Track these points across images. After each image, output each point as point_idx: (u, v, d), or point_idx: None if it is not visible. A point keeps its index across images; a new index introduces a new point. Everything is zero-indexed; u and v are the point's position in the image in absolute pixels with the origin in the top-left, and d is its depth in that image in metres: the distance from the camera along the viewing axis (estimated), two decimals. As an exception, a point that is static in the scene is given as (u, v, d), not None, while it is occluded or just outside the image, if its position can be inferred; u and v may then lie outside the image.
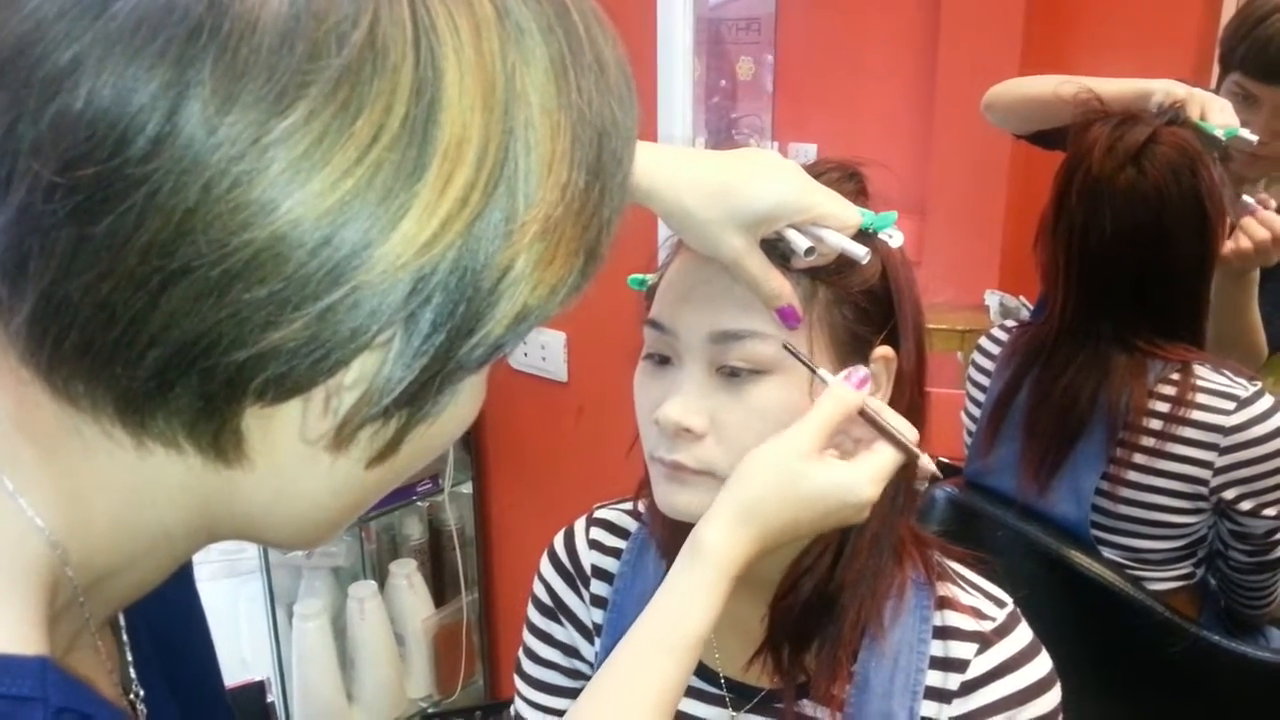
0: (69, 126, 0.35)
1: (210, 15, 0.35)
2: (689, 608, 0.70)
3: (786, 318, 0.73)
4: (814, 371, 0.73)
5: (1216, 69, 1.75)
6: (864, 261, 0.73)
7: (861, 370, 0.74)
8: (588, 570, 0.93)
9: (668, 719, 0.69)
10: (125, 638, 0.54)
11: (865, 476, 0.71)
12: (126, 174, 0.35)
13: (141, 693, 0.54)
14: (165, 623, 0.56)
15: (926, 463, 0.75)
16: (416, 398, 0.42)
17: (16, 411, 0.41)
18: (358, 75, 0.36)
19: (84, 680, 0.42)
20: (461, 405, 0.45)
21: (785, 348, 0.73)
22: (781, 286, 0.72)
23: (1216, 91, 1.65)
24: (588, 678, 0.94)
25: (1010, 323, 1.67)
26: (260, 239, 0.36)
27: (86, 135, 0.35)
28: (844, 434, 0.75)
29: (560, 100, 0.41)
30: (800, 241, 0.72)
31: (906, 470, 0.80)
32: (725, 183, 0.72)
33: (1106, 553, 1.50)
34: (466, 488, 2.26)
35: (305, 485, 0.44)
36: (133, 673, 0.54)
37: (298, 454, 0.42)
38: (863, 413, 0.73)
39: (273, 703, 2.00)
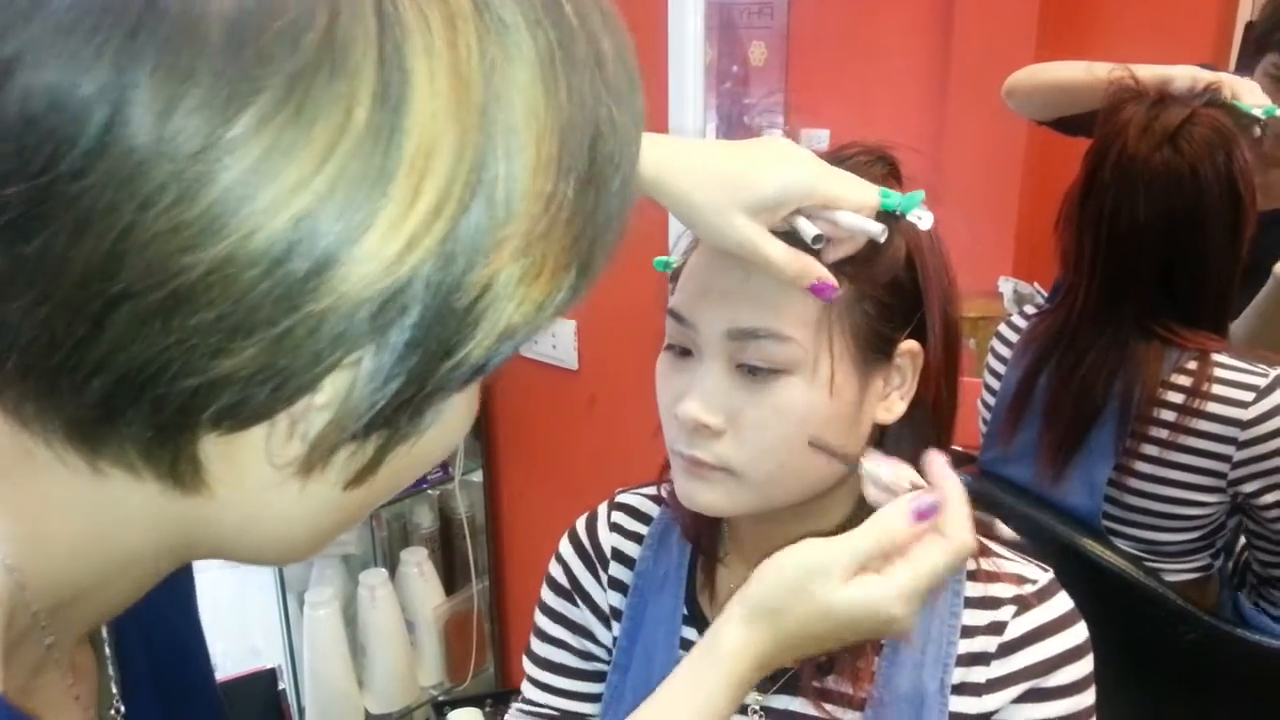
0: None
1: (150, 12, 0.32)
2: (692, 704, 0.67)
3: (821, 293, 0.70)
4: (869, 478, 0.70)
5: (1235, 55, 1.73)
6: (881, 239, 0.71)
7: (927, 500, 0.68)
8: (607, 553, 0.93)
9: None
10: (108, 651, 0.52)
11: (895, 594, 0.65)
12: (57, 191, 0.32)
13: (123, 709, 0.52)
14: (157, 626, 0.55)
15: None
16: (394, 420, 0.39)
17: None
18: (313, 78, 0.33)
19: (34, 715, 0.41)
20: (447, 423, 0.42)
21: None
22: (806, 263, 0.69)
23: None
24: (600, 660, 0.94)
25: (1029, 309, 1.66)
26: (206, 260, 0.32)
27: (16, 147, 0.32)
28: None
29: (547, 102, 0.37)
30: (808, 229, 0.70)
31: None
32: (731, 170, 0.69)
33: (1122, 545, 1.49)
34: (477, 476, 2.26)
35: (278, 509, 0.41)
36: (114, 688, 0.52)
37: (267, 479, 0.40)
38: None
39: (284, 690, 2.00)
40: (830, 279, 0.70)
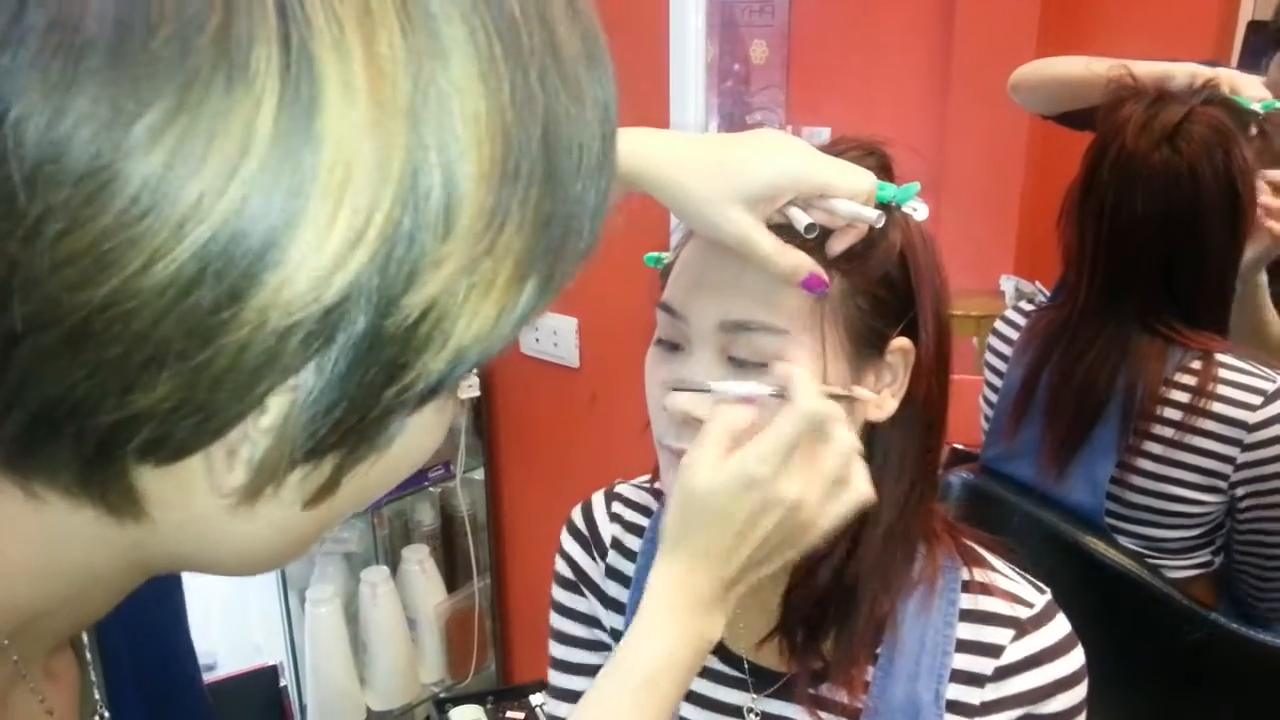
0: None
1: (20, 17, 0.28)
2: (634, 647, 0.69)
3: (812, 287, 0.70)
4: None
5: (1237, 52, 1.73)
6: (879, 225, 0.70)
7: (749, 386, 0.71)
8: (606, 541, 0.93)
9: None
10: (89, 656, 0.51)
11: (753, 455, 0.68)
12: None
13: (107, 714, 0.51)
14: (141, 627, 0.54)
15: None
16: (345, 442, 0.36)
17: None
18: (207, 90, 0.29)
19: None
20: (413, 438, 0.39)
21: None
22: (797, 259, 0.69)
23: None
24: (608, 648, 0.94)
25: (1026, 305, 1.65)
26: (100, 296, 0.29)
27: None
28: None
29: (488, 103, 0.33)
30: (800, 218, 0.69)
31: (924, 461, 0.78)
32: (723, 160, 0.69)
33: (1124, 542, 1.49)
34: (478, 474, 2.26)
35: (232, 530, 0.38)
36: (97, 694, 0.51)
37: (212, 505, 0.37)
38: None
39: (285, 687, 2.00)
40: (822, 274, 0.70)
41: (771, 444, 0.68)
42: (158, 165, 0.29)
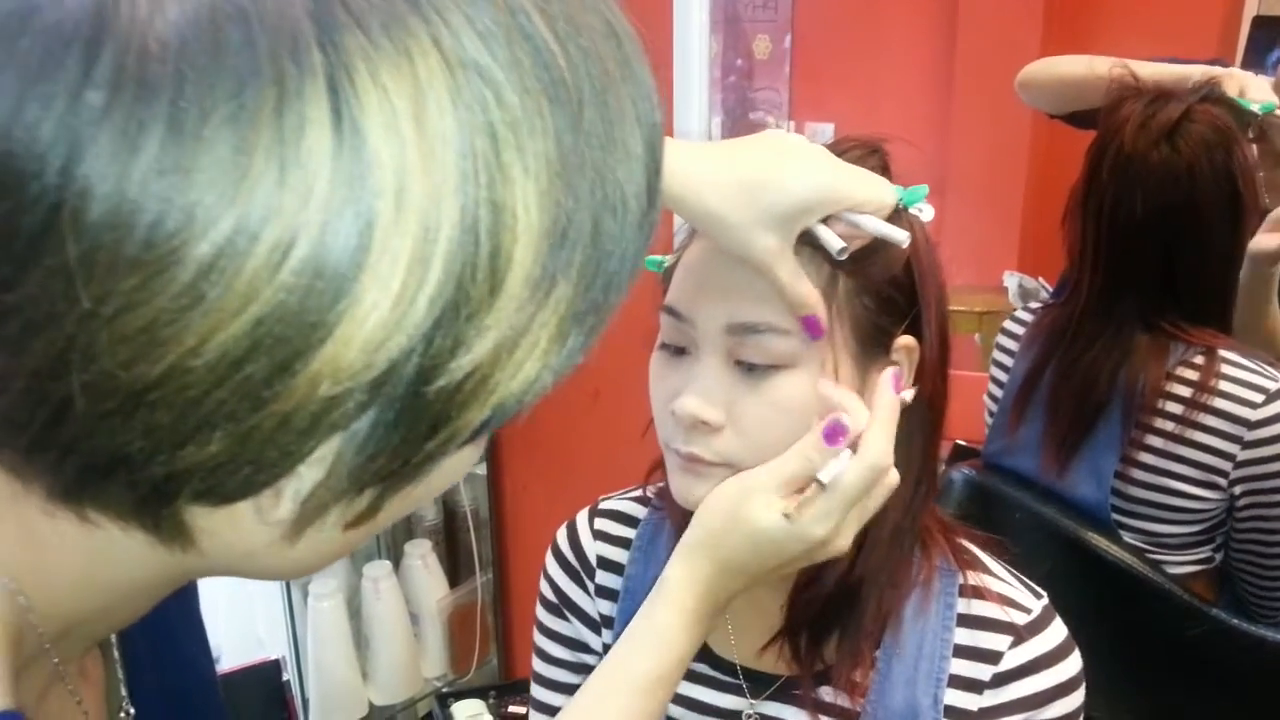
0: None
1: (94, 47, 0.29)
2: (651, 646, 0.69)
3: (810, 328, 0.71)
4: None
5: (1241, 49, 1.73)
6: (905, 245, 0.71)
7: (832, 421, 0.69)
8: (593, 561, 0.92)
9: None
10: (116, 655, 0.52)
11: (810, 516, 0.68)
12: None
13: (132, 711, 0.52)
14: (161, 630, 0.54)
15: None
16: (388, 480, 0.37)
17: None
18: (260, 178, 0.30)
19: None
20: (450, 466, 0.40)
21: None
22: (809, 295, 0.70)
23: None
24: (591, 669, 0.94)
25: (1034, 305, 1.66)
26: (155, 371, 0.31)
27: None
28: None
29: (538, 174, 0.34)
30: (834, 242, 0.70)
31: (927, 458, 0.78)
32: (752, 179, 0.68)
33: (1125, 536, 1.49)
34: (481, 469, 2.26)
35: (276, 553, 0.40)
36: (124, 690, 0.52)
37: (261, 534, 0.38)
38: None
39: (288, 681, 2.01)
40: (823, 320, 0.71)
41: (835, 503, 0.68)
42: (211, 251, 0.30)
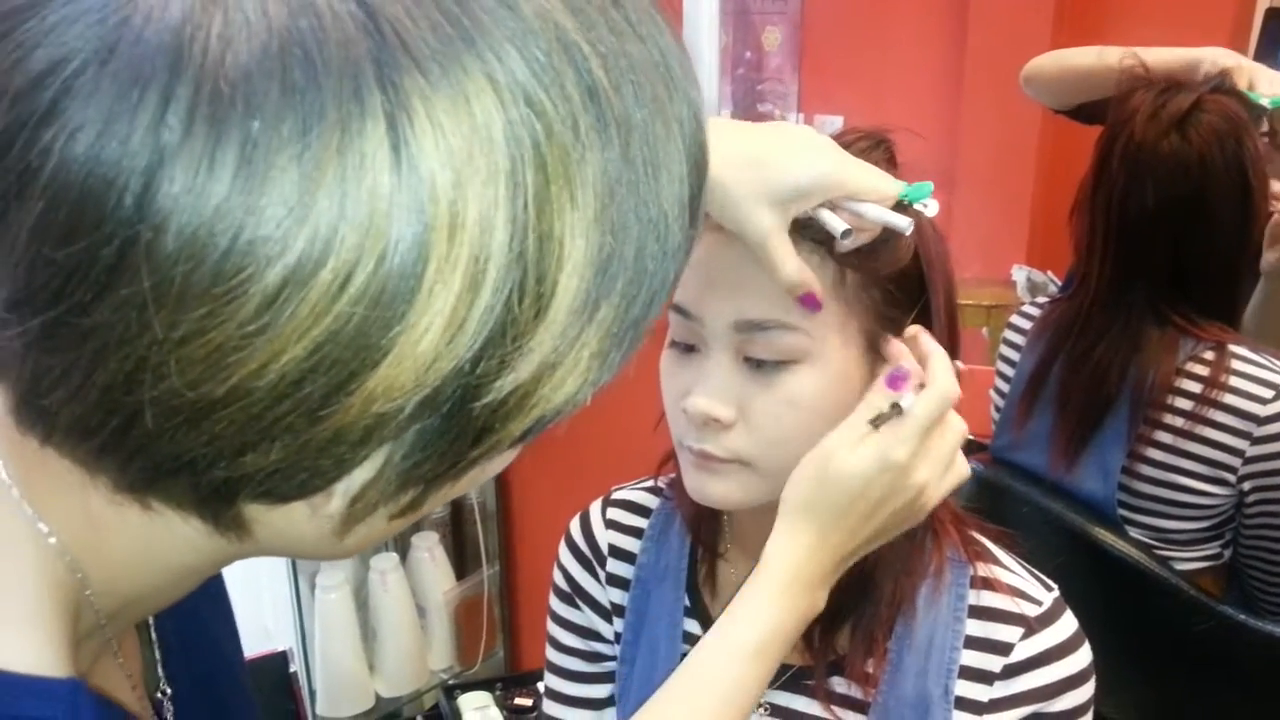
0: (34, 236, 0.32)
1: (170, 87, 0.31)
2: (746, 616, 0.71)
3: (806, 304, 0.71)
4: None
5: (1255, 41, 1.71)
6: (908, 233, 0.70)
7: (893, 371, 0.72)
8: (604, 550, 0.93)
9: None
10: (154, 636, 0.54)
11: (894, 439, 0.70)
12: (70, 323, 0.32)
13: (169, 691, 0.54)
14: (192, 617, 0.56)
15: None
16: (432, 480, 0.40)
17: (39, 449, 0.39)
18: (323, 213, 0.32)
19: (112, 699, 0.43)
20: (488, 466, 0.43)
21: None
22: (801, 273, 0.69)
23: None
24: (606, 658, 0.94)
25: (1042, 299, 1.65)
26: (221, 390, 0.33)
27: (47, 275, 0.32)
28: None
29: (584, 205, 0.35)
30: (836, 224, 0.69)
31: None
32: (758, 155, 0.68)
33: (1133, 532, 1.48)
34: (488, 462, 2.26)
35: (326, 541, 0.43)
36: (160, 671, 0.54)
37: (313, 525, 0.41)
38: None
39: (295, 673, 2.01)
40: (818, 292, 0.71)
41: (912, 427, 0.70)
42: (276, 282, 0.32)
